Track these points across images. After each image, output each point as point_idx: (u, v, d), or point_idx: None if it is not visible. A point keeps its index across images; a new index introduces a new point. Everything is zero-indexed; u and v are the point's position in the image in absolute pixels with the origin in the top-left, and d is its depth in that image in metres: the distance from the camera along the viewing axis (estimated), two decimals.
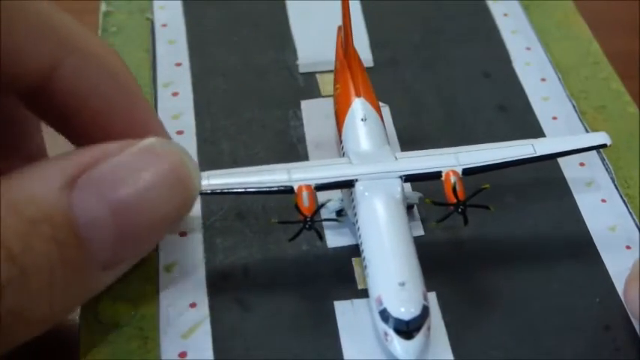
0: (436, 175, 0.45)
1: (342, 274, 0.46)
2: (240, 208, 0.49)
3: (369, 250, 0.43)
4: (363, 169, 0.45)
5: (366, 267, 0.43)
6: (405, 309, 0.40)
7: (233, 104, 0.56)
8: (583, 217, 0.48)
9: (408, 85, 0.57)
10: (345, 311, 0.44)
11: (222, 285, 0.45)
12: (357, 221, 0.45)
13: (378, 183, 0.44)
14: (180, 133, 0.53)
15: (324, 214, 0.47)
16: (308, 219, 0.43)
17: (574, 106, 0.55)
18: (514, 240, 0.48)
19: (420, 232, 0.47)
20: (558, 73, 0.57)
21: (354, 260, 0.46)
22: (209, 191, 0.45)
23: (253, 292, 0.45)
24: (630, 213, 0.48)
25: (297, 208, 0.43)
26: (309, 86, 0.57)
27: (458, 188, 0.43)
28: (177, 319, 0.43)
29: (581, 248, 0.47)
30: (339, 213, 0.48)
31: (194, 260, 0.46)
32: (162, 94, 0.56)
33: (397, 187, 0.44)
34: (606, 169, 0.51)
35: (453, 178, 0.44)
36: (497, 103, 0.55)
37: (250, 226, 0.48)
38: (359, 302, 0.44)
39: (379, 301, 0.41)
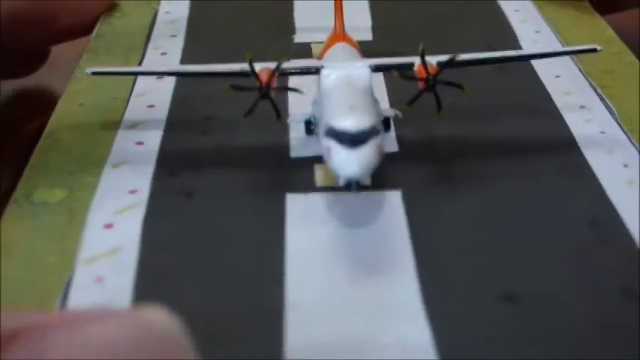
0: (408, 66, 0.41)
1: (300, 173, 0.41)
2: (205, 124, 0.46)
3: (324, 102, 0.39)
4: (331, 62, 0.42)
5: (319, 115, 0.39)
6: (350, 122, 0.36)
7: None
8: (578, 143, 0.44)
9: (406, 54, 0.54)
10: (297, 203, 0.39)
11: (170, 178, 0.41)
12: (320, 103, 0.41)
13: (346, 70, 0.41)
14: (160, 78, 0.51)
15: (292, 123, 0.44)
16: (264, 85, 0.39)
17: (580, 69, 0.51)
18: (495, 151, 0.43)
19: (394, 148, 0.43)
20: (566, 47, 0.54)
21: (317, 165, 0.42)
22: (168, 71, 0.43)
23: (201, 184, 0.41)
24: (631, 141, 0.43)
25: (254, 75, 0.40)
26: (303, 53, 0.55)
27: (429, 67, 0.40)
28: (112, 200, 0.40)
29: (571, 160, 0.42)
30: (308, 127, 0.44)
31: (145, 162, 0.43)
32: (151, 53, 0.55)
33: (365, 74, 0.41)
34: (609, 113, 0.46)
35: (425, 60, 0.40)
36: (498, 65, 0.52)
37: (211, 138, 0.45)
38: (314, 196, 0.40)
39: (326, 124, 0.37)
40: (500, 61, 0.43)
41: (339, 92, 0.39)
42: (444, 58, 0.41)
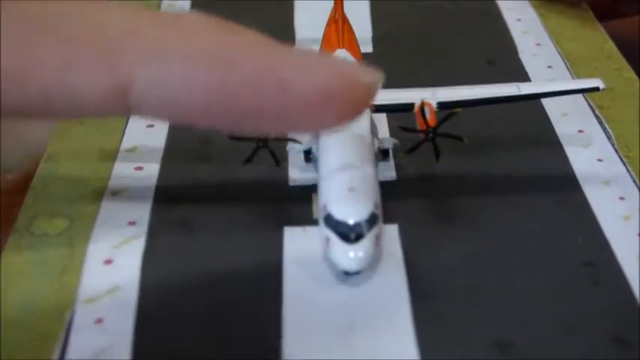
0: (408, 107, 0.41)
1: (297, 204, 0.42)
2: (204, 148, 0.46)
3: (324, 164, 0.39)
4: None
5: (319, 185, 0.39)
6: (349, 212, 0.36)
7: None
8: (575, 172, 0.44)
9: (406, 69, 0.54)
10: (295, 237, 0.40)
11: (169, 209, 0.42)
12: (318, 148, 0.41)
13: None
14: None
15: (290, 153, 0.44)
16: (262, 137, 0.40)
17: None
18: (493, 183, 0.43)
19: (392, 175, 0.43)
20: (566, 62, 0.54)
21: (314, 195, 0.42)
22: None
23: (200, 215, 0.41)
24: (629, 172, 0.44)
25: None
26: None
27: (428, 115, 0.40)
28: (111, 232, 0.40)
29: (568, 194, 0.42)
30: (307, 156, 0.44)
31: (144, 188, 0.43)
32: None
33: (365, 117, 0.41)
34: (607, 137, 0.46)
35: (424, 107, 0.41)
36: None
37: (209, 164, 0.45)
38: (312, 229, 0.40)
39: (324, 208, 0.37)
40: (501, 101, 0.43)
41: (339, 158, 0.38)
42: (444, 94, 0.41)
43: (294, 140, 0.42)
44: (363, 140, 0.40)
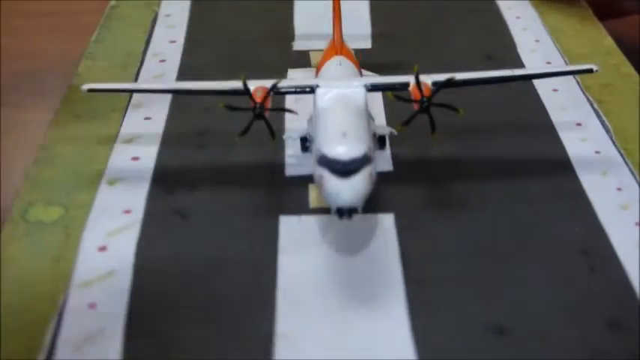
0: (403, 86, 0.41)
1: (294, 194, 0.41)
2: (201, 138, 0.46)
3: (318, 124, 0.39)
4: (327, 81, 0.42)
5: (314, 138, 0.38)
6: (342, 150, 0.35)
7: (221, 72, 0.53)
8: (572, 163, 0.44)
9: (405, 64, 0.54)
10: (290, 226, 0.39)
11: (164, 198, 0.42)
12: (314, 123, 0.41)
13: (341, 89, 0.41)
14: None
15: (287, 140, 0.44)
16: (258, 105, 0.39)
17: (578, 82, 0.51)
18: (489, 173, 0.43)
19: (389, 167, 0.43)
20: (565, 57, 0.54)
21: (311, 185, 0.42)
22: (162, 89, 0.43)
23: (195, 203, 0.41)
24: (627, 163, 0.43)
25: (249, 96, 0.40)
26: (301, 61, 0.55)
27: (423, 87, 0.39)
28: (107, 221, 0.40)
29: (565, 184, 0.42)
30: (304, 144, 0.44)
31: (141, 178, 0.43)
32: (149, 60, 0.55)
33: (360, 94, 0.40)
34: (605, 130, 0.46)
35: (420, 83, 0.40)
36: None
37: (206, 155, 0.45)
38: (307, 219, 0.40)
39: (319, 151, 0.36)
40: (496, 81, 0.42)
41: (333, 115, 0.39)
42: (440, 77, 0.41)
43: (290, 111, 0.41)
44: (360, 110, 0.40)
